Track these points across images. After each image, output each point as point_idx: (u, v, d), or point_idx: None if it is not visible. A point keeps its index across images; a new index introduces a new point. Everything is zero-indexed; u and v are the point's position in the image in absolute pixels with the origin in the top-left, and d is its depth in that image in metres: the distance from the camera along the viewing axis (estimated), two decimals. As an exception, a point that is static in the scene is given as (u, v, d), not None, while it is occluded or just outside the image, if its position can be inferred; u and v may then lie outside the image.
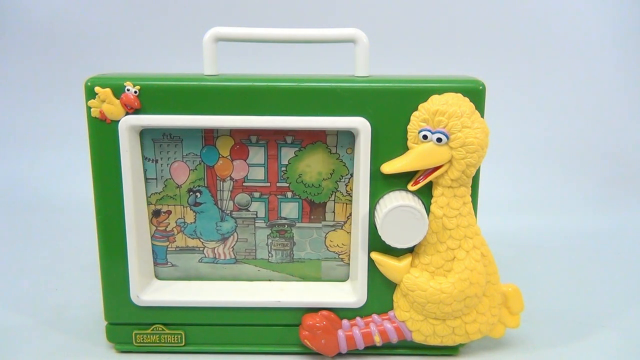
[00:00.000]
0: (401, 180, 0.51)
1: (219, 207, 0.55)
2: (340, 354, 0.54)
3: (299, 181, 0.54)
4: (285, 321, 0.54)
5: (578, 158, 1.03)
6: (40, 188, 1.03)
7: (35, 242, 0.85)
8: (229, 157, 0.53)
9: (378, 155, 0.50)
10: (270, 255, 0.56)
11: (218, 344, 0.55)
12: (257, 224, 0.55)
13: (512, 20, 1.03)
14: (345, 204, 0.54)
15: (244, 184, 0.54)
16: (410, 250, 0.53)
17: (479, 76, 0.51)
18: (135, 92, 0.49)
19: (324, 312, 0.54)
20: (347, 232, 0.55)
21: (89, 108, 0.50)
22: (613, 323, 0.62)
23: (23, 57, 1.09)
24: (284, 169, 0.54)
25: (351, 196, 0.54)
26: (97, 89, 0.49)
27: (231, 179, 0.54)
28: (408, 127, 0.49)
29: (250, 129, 0.52)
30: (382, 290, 0.53)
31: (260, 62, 0.93)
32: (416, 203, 0.49)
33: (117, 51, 1.07)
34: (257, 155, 0.53)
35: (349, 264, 0.56)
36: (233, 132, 0.53)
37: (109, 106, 0.49)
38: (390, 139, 0.50)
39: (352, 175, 0.53)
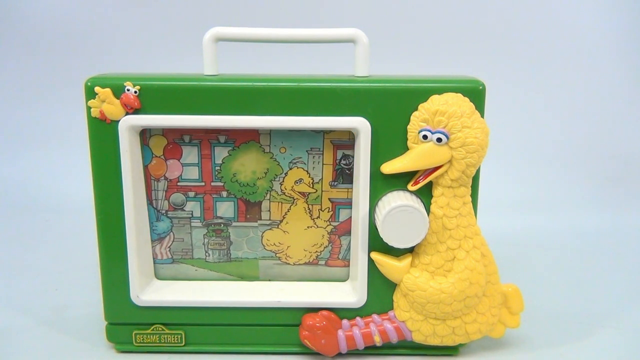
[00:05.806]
0: (401, 180, 0.51)
1: (154, 206, 0.54)
2: (340, 354, 0.54)
3: (234, 180, 0.54)
4: (285, 321, 0.54)
5: (578, 158, 1.03)
6: (40, 188, 1.03)
7: (35, 242, 0.85)
8: (162, 157, 0.53)
9: (378, 155, 0.50)
10: (207, 254, 0.56)
11: (218, 344, 0.55)
12: (192, 224, 0.55)
13: (511, 20, 1.03)
14: (280, 203, 0.54)
15: (179, 184, 0.54)
16: (410, 250, 0.53)
17: (479, 76, 0.51)
18: (135, 92, 0.49)
19: (324, 312, 0.54)
20: (284, 231, 0.55)
21: (89, 108, 0.50)
22: (613, 323, 0.62)
23: (23, 57, 1.09)
24: (218, 168, 0.53)
25: (286, 195, 0.54)
26: (97, 89, 0.49)
27: (165, 178, 0.54)
28: (408, 127, 0.49)
29: (251, 129, 0.52)
30: (382, 290, 0.53)
31: (260, 62, 0.93)
32: (416, 203, 0.49)
33: (117, 51, 1.07)
34: (190, 154, 0.53)
35: (286, 262, 0.56)
36: (166, 132, 0.52)
37: (109, 106, 0.49)
38: (390, 139, 0.50)
39: (286, 174, 0.53)
